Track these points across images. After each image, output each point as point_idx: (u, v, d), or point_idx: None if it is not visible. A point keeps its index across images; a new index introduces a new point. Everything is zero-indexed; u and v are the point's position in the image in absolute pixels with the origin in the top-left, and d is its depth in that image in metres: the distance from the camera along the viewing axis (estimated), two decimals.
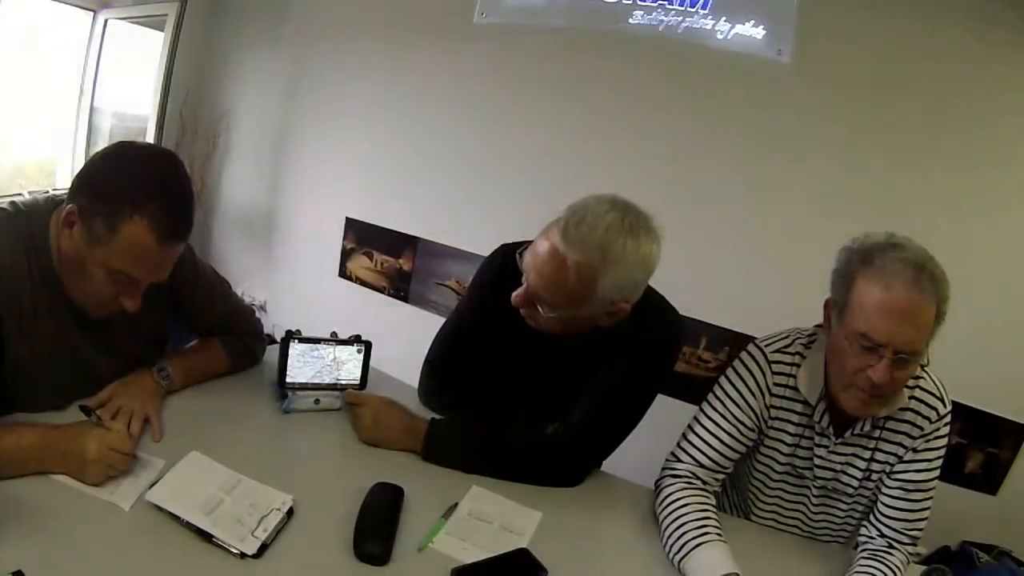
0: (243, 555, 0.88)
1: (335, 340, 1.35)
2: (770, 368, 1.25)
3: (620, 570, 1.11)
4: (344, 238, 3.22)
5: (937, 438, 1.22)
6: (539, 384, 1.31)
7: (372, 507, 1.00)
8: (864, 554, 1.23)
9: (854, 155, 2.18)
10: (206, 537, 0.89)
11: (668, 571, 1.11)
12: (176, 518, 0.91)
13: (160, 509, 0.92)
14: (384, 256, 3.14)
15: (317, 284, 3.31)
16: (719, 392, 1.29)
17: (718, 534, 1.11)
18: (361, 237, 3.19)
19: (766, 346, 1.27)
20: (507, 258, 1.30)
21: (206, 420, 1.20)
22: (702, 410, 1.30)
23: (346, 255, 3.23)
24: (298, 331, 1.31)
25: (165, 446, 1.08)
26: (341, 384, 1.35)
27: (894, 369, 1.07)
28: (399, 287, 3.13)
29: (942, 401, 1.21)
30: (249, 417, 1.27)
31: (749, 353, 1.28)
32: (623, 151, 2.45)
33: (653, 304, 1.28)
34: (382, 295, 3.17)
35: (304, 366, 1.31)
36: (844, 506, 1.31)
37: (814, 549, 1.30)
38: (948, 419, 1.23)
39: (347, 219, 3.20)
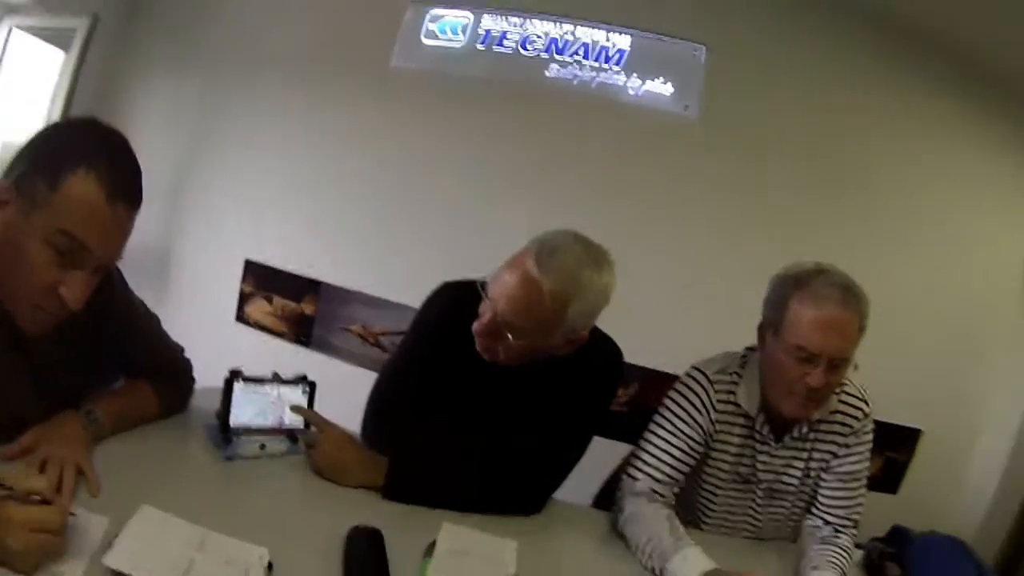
0: None
1: (279, 380, 1.20)
2: (712, 388, 1.31)
3: None
4: (243, 281, 2.95)
5: (865, 434, 1.35)
6: (488, 418, 1.25)
7: (359, 555, 0.87)
8: (814, 542, 1.32)
9: (754, 199, 2.37)
10: None
11: None
12: None
13: (116, 574, 0.73)
14: (285, 300, 2.91)
15: (213, 329, 2.98)
16: (667, 413, 1.33)
17: (688, 539, 1.15)
18: (261, 281, 2.94)
19: (707, 368, 1.34)
20: (454, 294, 1.28)
21: (143, 469, 1.00)
22: (651, 431, 1.33)
23: (244, 299, 2.97)
24: (240, 370, 1.16)
25: (103, 501, 0.87)
26: (286, 427, 1.19)
27: (828, 375, 1.18)
28: (301, 332, 2.91)
29: (865, 402, 1.35)
30: (188, 464, 1.09)
31: (692, 376, 1.35)
32: (538, 198, 2.47)
33: (598, 335, 1.28)
34: (283, 341, 2.93)
35: (247, 408, 1.16)
36: (788, 504, 1.39)
37: (765, 548, 1.37)
38: (872, 417, 1.35)
39: (246, 262, 2.94)
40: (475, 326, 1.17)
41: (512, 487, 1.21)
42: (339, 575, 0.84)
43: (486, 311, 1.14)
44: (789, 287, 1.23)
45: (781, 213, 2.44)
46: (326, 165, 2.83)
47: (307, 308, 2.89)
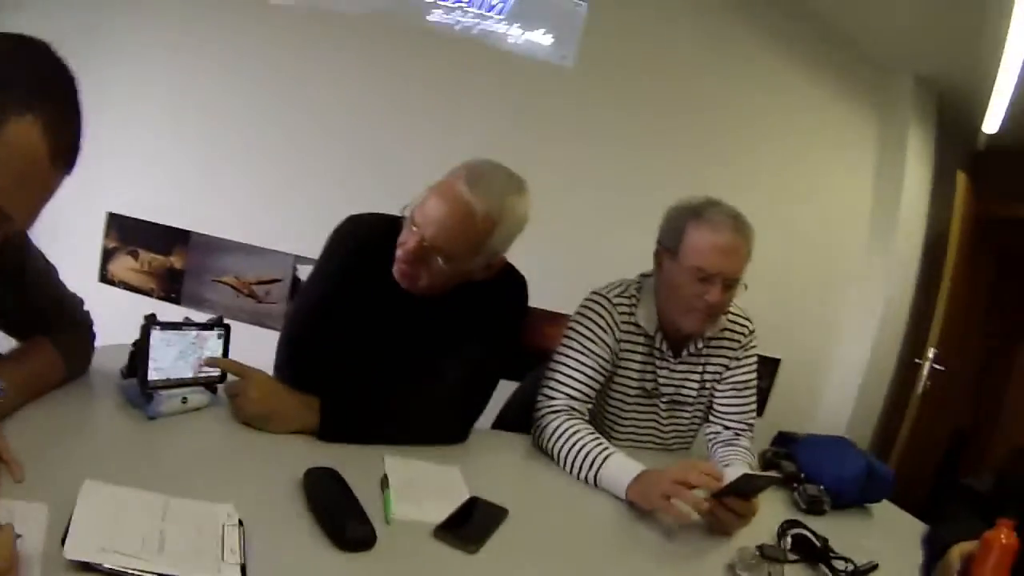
0: None
1: (195, 324, 1.11)
2: (615, 310, 1.42)
3: (556, 499, 1.17)
4: (105, 237, 2.65)
5: (752, 347, 1.53)
6: (405, 349, 1.26)
7: (325, 494, 0.85)
8: (719, 445, 1.49)
9: (626, 146, 2.48)
10: None
11: (587, 489, 1.20)
12: (115, 574, 0.61)
13: (83, 567, 0.61)
14: (152, 255, 2.67)
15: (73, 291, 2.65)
16: (574, 335, 1.42)
17: (614, 447, 1.24)
18: (125, 235, 2.66)
19: (607, 292, 1.45)
20: (360, 226, 1.28)
21: (64, 442, 0.89)
22: (563, 353, 1.41)
23: (108, 256, 2.68)
24: (155, 315, 1.05)
25: (32, 485, 0.73)
26: (203, 378, 1.11)
27: (723, 293, 1.33)
28: (170, 288, 2.69)
29: (749, 320, 1.52)
30: (111, 429, 0.99)
31: (594, 300, 1.44)
32: (422, 142, 2.41)
33: (508, 265, 1.32)
34: (150, 299, 2.69)
35: (163, 359, 1.05)
36: (687, 415, 1.54)
37: (671, 457, 1.49)
38: (755, 333, 1.53)
39: (109, 215, 2.63)
40: (399, 253, 1.16)
41: (439, 417, 1.23)
42: (308, 517, 0.82)
43: (410, 238, 1.14)
44: (686, 216, 1.35)
45: (651, 159, 2.60)
46: (193, 109, 2.57)
47: (176, 261, 2.67)
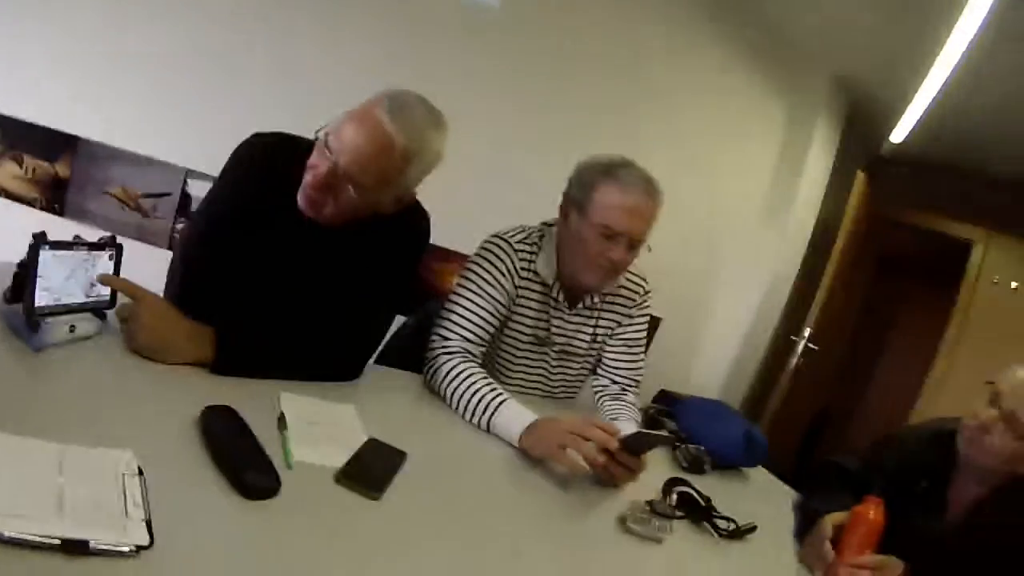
0: (137, 549, 0.58)
1: (87, 244, 1.00)
2: (516, 255, 1.41)
3: (450, 442, 1.17)
4: None
5: (645, 307, 1.57)
6: (304, 280, 1.20)
7: (225, 438, 0.81)
8: (606, 398, 1.53)
9: (537, 99, 2.47)
10: (77, 548, 0.55)
11: (480, 434, 1.21)
12: (17, 543, 0.53)
13: None
14: (37, 161, 2.41)
15: None
16: (472, 276, 1.41)
17: (508, 394, 1.25)
18: (9, 138, 2.38)
19: (510, 237, 1.43)
20: (266, 146, 1.20)
21: None
22: (459, 294, 1.40)
23: None
24: (44, 232, 0.93)
25: None
26: (91, 303, 1.01)
27: (627, 252, 1.36)
28: (54, 198, 2.46)
29: (644, 281, 1.55)
30: None
31: (495, 244, 1.43)
32: (331, 60, 2.27)
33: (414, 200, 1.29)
34: (33, 209, 2.45)
35: (53, 283, 0.94)
36: (576, 366, 1.57)
37: (559, 405, 1.53)
38: (650, 293, 1.56)
39: None
40: (308, 178, 1.10)
41: (336, 353, 1.20)
42: (208, 463, 0.77)
43: (321, 163, 1.08)
44: (598, 174, 1.35)
45: (558, 117, 2.59)
46: (89, 3, 2.30)
47: (61, 170, 2.43)
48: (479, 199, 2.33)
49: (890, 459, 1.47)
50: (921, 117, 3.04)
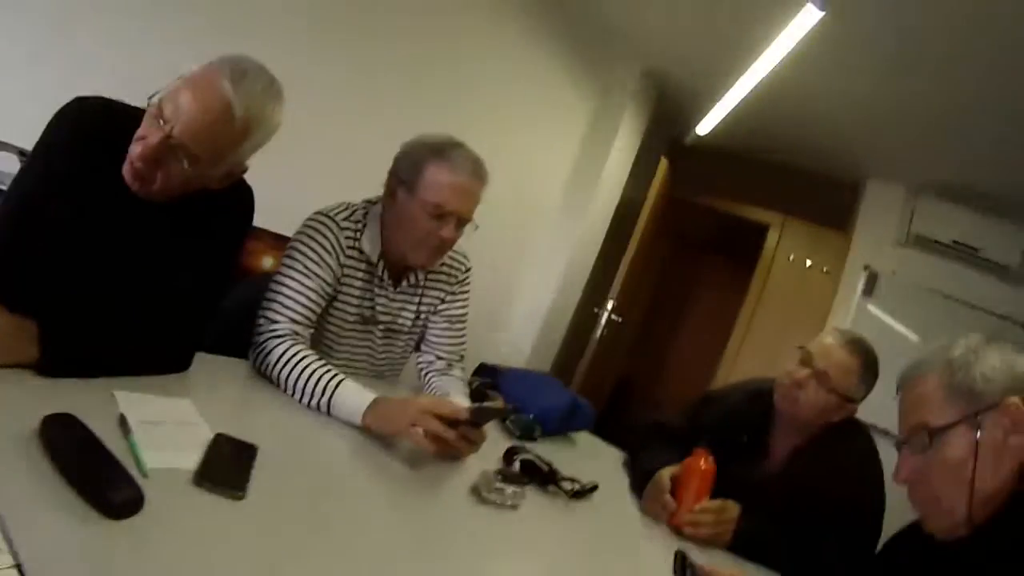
0: None
1: None
2: (342, 233, 1.39)
3: (294, 429, 1.13)
4: None
5: (467, 283, 1.60)
6: (123, 262, 1.08)
7: (74, 452, 0.70)
8: (432, 374, 1.55)
9: (354, 78, 2.41)
10: None
11: (320, 417, 1.18)
12: None
13: None
14: None
15: None
16: (297, 255, 1.35)
17: (343, 374, 1.23)
18: None
19: (334, 215, 1.40)
20: (89, 111, 1.06)
21: None
22: (284, 274, 1.34)
23: None
24: None
25: None
26: None
27: (455, 231, 1.38)
28: None
29: (466, 258, 1.61)
30: None
31: (319, 221, 1.39)
32: (152, 48, 1.95)
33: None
34: None
35: None
36: (401, 343, 1.57)
37: (384, 384, 1.53)
38: (471, 270, 1.61)
39: None
40: (137, 149, 0.99)
41: (167, 342, 1.09)
42: (60, 481, 0.67)
43: (153, 133, 0.98)
44: (428, 153, 1.35)
45: (375, 97, 2.53)
46: None
47: None
48: (294, 176, 2.21)
49: (711, 416, 1.67)
50: (726, 112, 3.39)
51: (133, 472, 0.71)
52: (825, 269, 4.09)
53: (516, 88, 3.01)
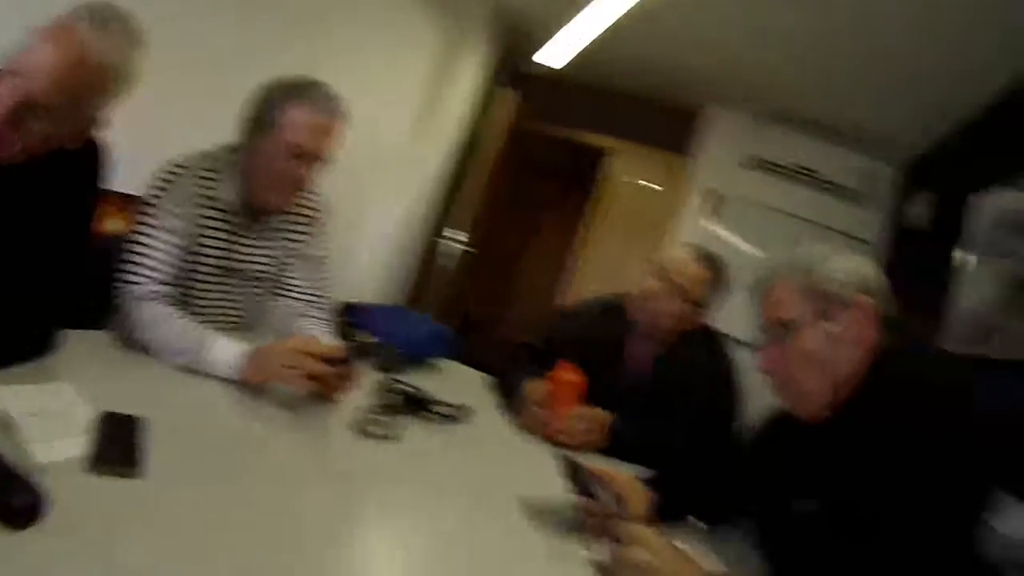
0: None
1: None
2: (198, 182, 1.34)
3: (174, 394, 1.11)
4: None
5: (324, 223, 1.59)
6: None
7: None
8: (298, 318, 1.53)
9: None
10: None
11: (196, 378, 1.16)
12: None
13: None
14: None
15: None
16: (154, 210, 1.30)
17: (211, 329, 1.22)
18: None
19: (190, 163, 1.35)
20: None
21: None
22: (141, 232, 1.28)
23: None
24: None
25: None
26: None
27: (312, 170, 1.36)
28: None
29: (321, 197, 1.57)
30: None
31: (173, 172, 1.33)
32: None
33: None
34: None
35: None
36: (262, 291, 1.54)
37: (250, 333, 1.47)
38: (327, 210, 1.58)
39: None
40: None
41: (26, 326, 1.01)
42: None
43: (9, 93, 0.90)
44: (286, 93, 1.33)
45: (217, 38, 2.32)
46: None
47: None
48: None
49: (569, 331, 1.76)
50: (572, 41, 3.39)
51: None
52: (665, 191, 4.28)
53: (362, 18, 2.85)
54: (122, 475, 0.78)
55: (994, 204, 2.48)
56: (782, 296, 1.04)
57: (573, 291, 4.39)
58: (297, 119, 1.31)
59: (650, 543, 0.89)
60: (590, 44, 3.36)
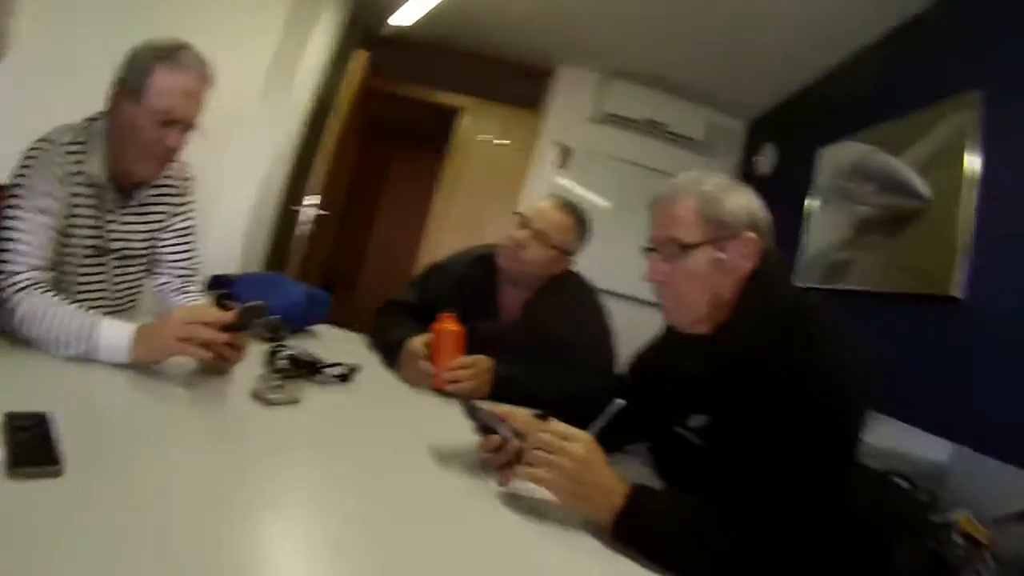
0: None
1: None
2: (67, 158, 1.25)
3: (76, 384, 1.03)
4: None
5: (192, 193, 1.52)
6: None
7: None
8: (172, 294, 1.47)
9: None
10: None
11: (95, 365, 1.08)
12: None
13: None
14: None
15: None
16: (25, 193, 1.20)
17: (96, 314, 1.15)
18: None
19: (57, 138, 1.25)
20: None
21: None
22: (15, 217, 1.17)
23: None
24: None
25: None
26: None
27: (182, 138, 1.30)
28: None
29: (187, 166, 1.49)
30: None
31: (41, 149, 1.24)
32: None
33: None
34: None
35: None
36: (136, 270, 1.46)
37: (126, 316, 1.38)
38: (194, 178, 1.52)
39: None
40: None
41: None
42: None
43: None
44: (154, 58, 1.25)
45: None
46: None
47: None
48: None
49: (441, 284, 1.79)
50: (423, 2, 3.38)
51: None
52: (518, 146, 4.36)
53: None
54: (43, 475, 0.70)
55: (839, 154, 2.84)
56: (680, 215, 1.09)
57: (432, 248, 4.37)
58: (166, 84, 1.23)
59: (585, 439, 0.95)
60: (441, 4, 3.35)
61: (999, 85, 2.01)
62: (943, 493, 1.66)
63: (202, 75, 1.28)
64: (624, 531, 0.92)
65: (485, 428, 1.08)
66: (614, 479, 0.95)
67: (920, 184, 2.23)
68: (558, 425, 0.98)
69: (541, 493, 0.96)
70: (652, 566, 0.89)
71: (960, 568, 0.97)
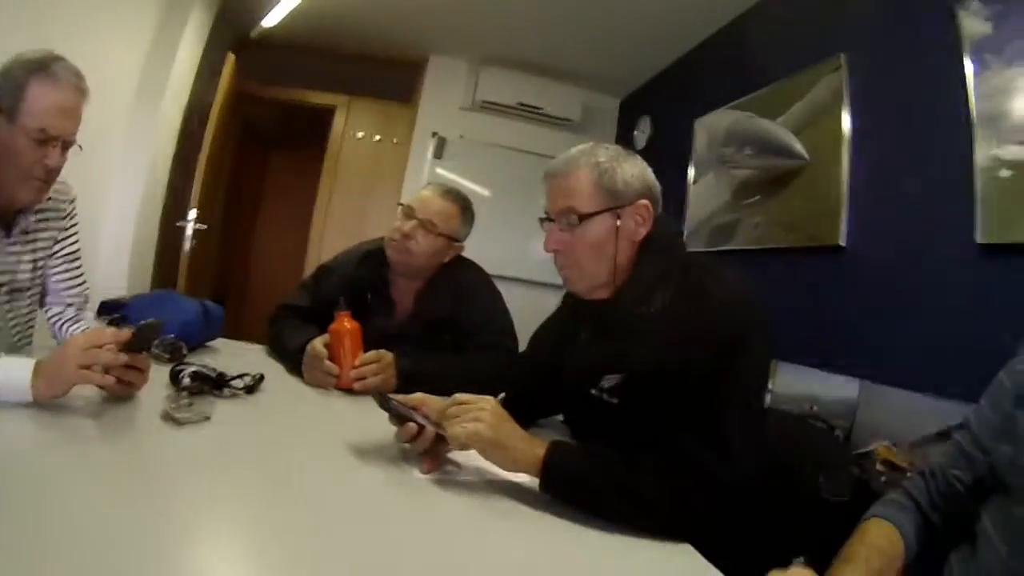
0: None
1: None
2: None
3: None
4: None
5: (75, 214, 1.45)
6: None
7: None
8: (66, 324, 1.40)
9: None
10: None
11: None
12: None
13: None
14: None
15: None
16: None
17: None
18: None
19: None
20: None
21: None
22: None
23: None
24: None
25: None
26: None
27: (63, 157, 1.24)
28: None
29: (68, 186, 1.42)
30: None
31: None
32: None
33: None
34: None
35: None
36: (26, 303, 1.38)
37: (21, 355, 1.25)
38: (76, 199, 1.45)
39: None
40: None
41: None
42: None
43: None
44: (28, 72, 1.18)
45: None
46: None
47: None
48: None
49: (332, 285, 1.74)
50: (292, 3, 3.31)
51: None
52: (395, 140, 4.33)
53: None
54: None
55: (713, 123, 2.98)
56: (575, 185, 1.12)
57: (318, 249, 4.30)
58: (43, 100, 1.17)
59: (490, 399, 1.01)
60: (305, 3, 3.30)
61: (861, 45, 2.16)
62: (857, 428, 1.78)
63: (79, 88, 1.22)
64: (551, 480, 0.97)
65: (400, 418, 1.10)
66: (530, 436, 1.01)
67: (797, 144, 2.38)
68: (463, 395, 1.04)
69: (464, 475, 1.01)
70: (583, 519, 0.94)
71: (885, 493, 1.07)
